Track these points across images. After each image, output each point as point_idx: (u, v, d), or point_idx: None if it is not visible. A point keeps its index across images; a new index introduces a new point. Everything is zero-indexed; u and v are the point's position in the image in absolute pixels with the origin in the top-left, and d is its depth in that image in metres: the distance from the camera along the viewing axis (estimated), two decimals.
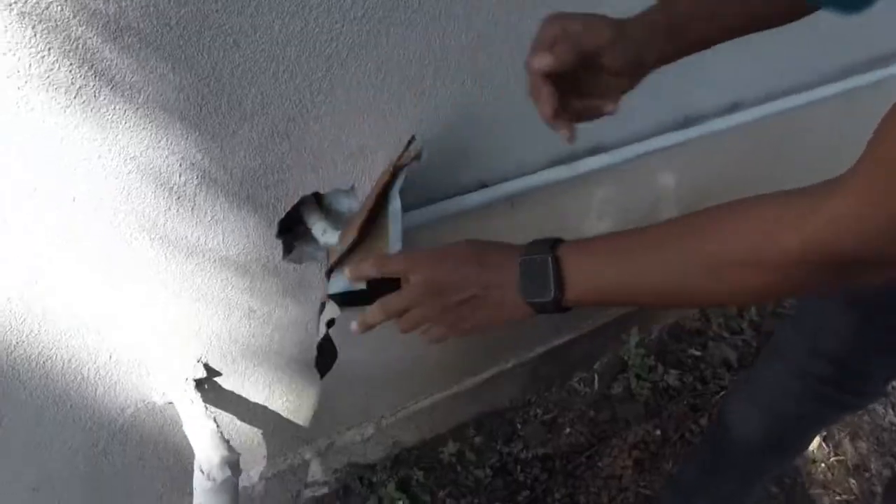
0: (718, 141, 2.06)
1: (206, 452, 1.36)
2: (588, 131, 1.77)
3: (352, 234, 1.30)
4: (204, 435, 1.38)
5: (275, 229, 1.43)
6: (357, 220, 1.30)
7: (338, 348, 1.70)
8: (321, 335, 1.61)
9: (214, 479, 1.34)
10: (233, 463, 1.38)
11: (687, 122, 2.00)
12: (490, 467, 2.30)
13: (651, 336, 2.77)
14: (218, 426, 1.41)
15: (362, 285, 1.22)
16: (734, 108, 2.08)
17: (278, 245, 1.45)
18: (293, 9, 1.18)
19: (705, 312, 2.89)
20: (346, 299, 1.36)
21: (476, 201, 1.66)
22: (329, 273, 1.39)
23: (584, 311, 2.35)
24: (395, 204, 1.29)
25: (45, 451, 1.43)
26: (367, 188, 1.46)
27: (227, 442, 1.41)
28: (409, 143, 1.36)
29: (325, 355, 1.51)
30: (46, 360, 1.30)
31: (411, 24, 1.32)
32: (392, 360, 1.89)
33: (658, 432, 2.49)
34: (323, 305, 1.55)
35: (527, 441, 2.39)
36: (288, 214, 1.43)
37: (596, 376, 2.62)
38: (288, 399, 1.75)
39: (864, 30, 2.05)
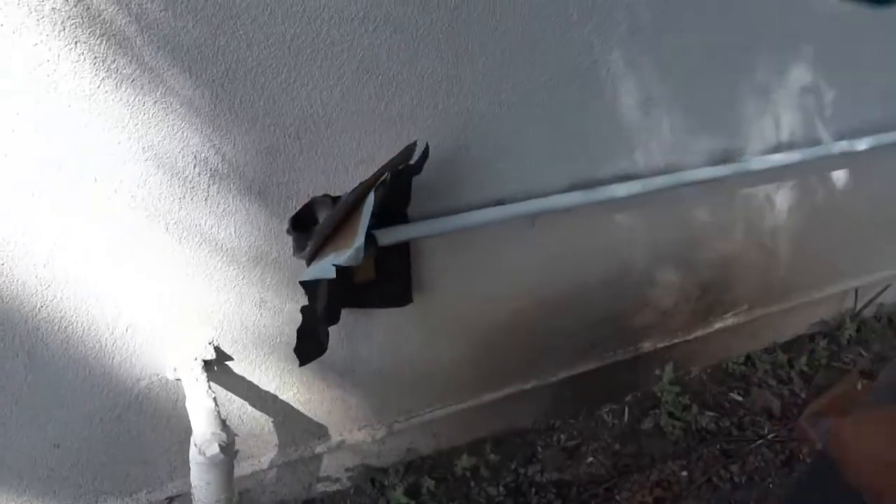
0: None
1: (200, 428, 1.45)
2: (614, 159, 1.79)
3: (329, 227, 1.36)
4: (201, 412, 1.47)
5: (286, 225, 1.51)
6: (337, 214, 1.37)
7: (345, 346, 1.77)
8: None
9: (204, 454, 1.43)
10: (225, 442, 1.46)
11: (726, 158, 1.96)
12: (504, 486, 2.29)
13: (690, 375, 2.69)
14: (217, 406, 1.50)
15: (332, 274, 1.28)
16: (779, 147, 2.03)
17: (289, 241, 1.54)
18: (305, 20, 1.27)
19: (751, 357, 2.78)
20: (318, 287, 1.41)
21: (491, 217, 1.69)
22: (309, 262, 1.46)
23: (608, 343, 2.33)
24: (369, 199, 1.34)
25: (66, 412, 1.56)
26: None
27: (224, 422, 1.49)
28: (407, 148, 1.41)
29: (307, 343, 1.55)
30: (68, 325, 1.43)
31: (424, 39, 1.39)
32: (404, 365, 1.94)
33: (684, 473, 2.41)
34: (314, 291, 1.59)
35: (545, 465, 2.37)
36: (301, 212, 1.51)
37: (626, 409, 2.57)
38: (298, 391, 1.83)
39: None
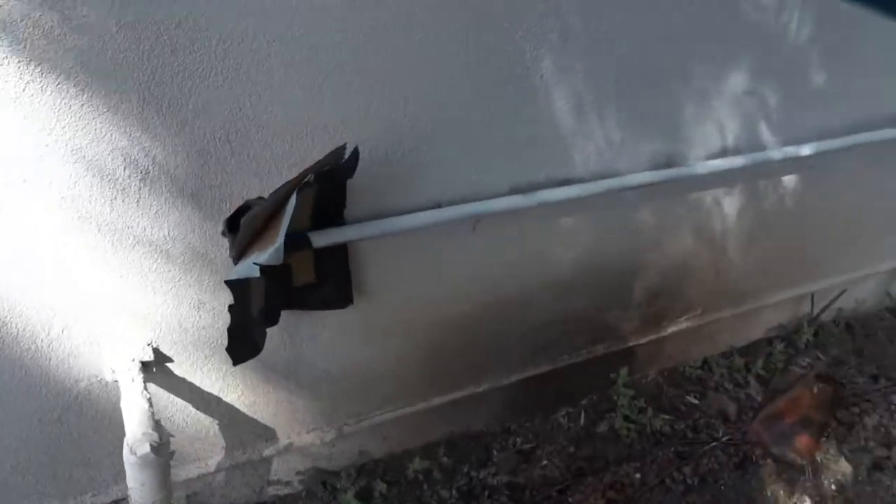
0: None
1: (132, 428, 1.47)
2: (553, 164, 1.82)
3: (250, 227, 1.39)
4: (134, 412, 1.49)
5: (221, 227, 1.53)
6: (259, 215, 1.39)
7: (288, 348, 1.79)
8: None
9: (136, 454, 1.44)
10: (157, 442, 1.47)
11: (669, 163, 2.00)
12: (457, 489, 2.31)
13: (647, 378, 2.72)
14: (150, 406, 1.51)
15: (256, 273, 1.30)
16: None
17: (226, 243, 1.56)
18: (230, 26, 1.30)
19: (708, 361, 2.81)
20: (246, 287, 1.42)
21: (428, 220, 1.72)
22: (236, 261, 1.48)
23: (559, 346, 2.35)
24: (292, 200, 1.36)
25: (3, 413, 1.57)
26: None
27: (158, 422, 1.51)
28: (335, 150, 1.43)
29: (239, 343, 1.57)
30: (2, 326, 1.44)
31: (352, 45, 1.42)
32: (352, 367, 1.96)
33: (638, 475, 2.43)
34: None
35: (499, 468, 2.39)
36: (235, 215, 1.53)
37: (582, 412, 2.60)
38: (243, 393, 1.85)
39: None
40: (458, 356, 2.12)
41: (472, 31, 1.53)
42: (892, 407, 2.82)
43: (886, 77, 2.17)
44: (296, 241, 1.51)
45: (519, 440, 2.50)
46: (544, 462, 2.45)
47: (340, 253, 1.69)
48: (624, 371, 2.56)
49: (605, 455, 2.48)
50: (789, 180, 2.30)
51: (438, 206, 1.74)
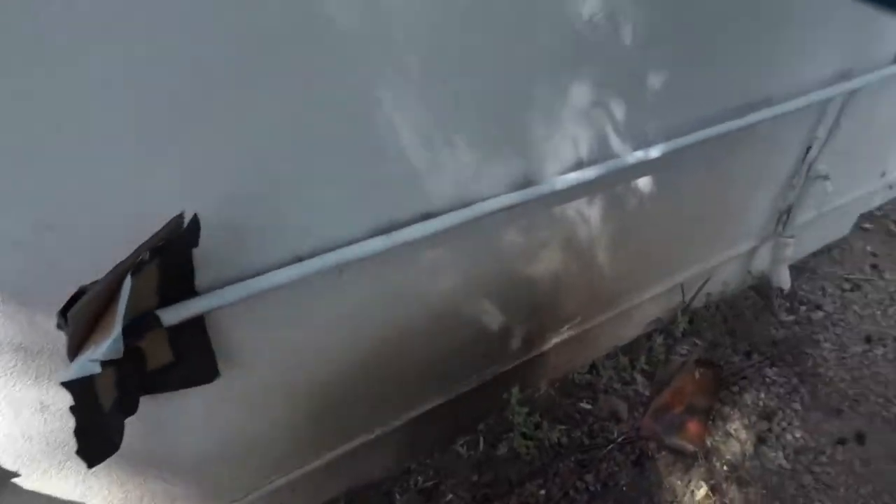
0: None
1: None
2: (411, 200, 1.78)
3: (82, 319, 1.25)
4: None
5: (56, 319, 1.38)
6: (89, 305, 1.26)
7: (155, 435, 1.64)
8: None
9: None
10: None
11: (528, 183, 2.01)
12: None
13: (539, 392, 2.73)
14: None
15: (96, 369, 1.17)
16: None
17: (62, 336, 1.40)
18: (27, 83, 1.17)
19: (595, 365, 2.86)
20: (88, 384, 1.27)
21: (291, 276, 1.63)
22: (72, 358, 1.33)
23: (450, 376, 2.31)
24: (126, 283, 1.24)
25: None
26: None
27: None
28: (172, 221, 1.32)
29: (91, 442, 1.41)
30: None
31: (175, 112, 1.31)
32: (231, 440, 1.84)
33: (542, 492, 2.43)
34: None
35: None
36: (70, 303, 1.38)
37: (481, 438, 2.57)
38: (110, 492, 1.68)
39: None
40: (346, 406, 2.04)
41: (301, 80, 1.45)
42: (767, 380, 2.97)
43: (727, 72, 2.28)
44: (141, 323, 1.38)
45: (420, 479, 2.44)
46: (449, 496, 2.41)
47: (197, 326, 1.57)
48: (515, 390, 2.56)
49: (508, 477, 2.47)
50: (644, 182, 2.37)
51: (300, 259, 1.66)
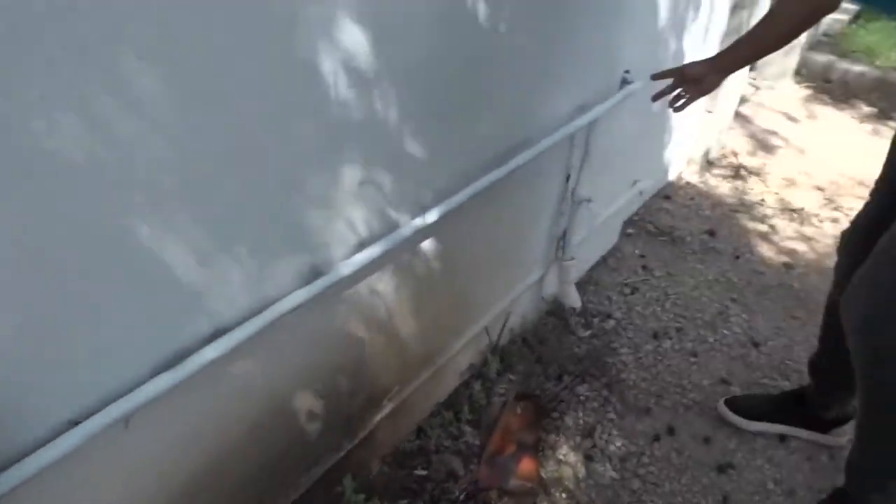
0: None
1: None
2: (191, 322, 1.64)
3: None
4: None
5: None
6: None
7: None
8: None
9: None
10: None
11: (317, 273, 1.94)
12: None
13: (372, 473, 2.66)
14: None
15: None
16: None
17: None
18: None
19: (422, 428, 2.84)
20: None
21: (68, 444, 1.43)
22: None
23: (277, 489, 2.17)
24: None
25: None
26: None
27: None
28: None
29: None
30: None
31: None
32: None
33: None
34: None
35: None
36: None
37: None
38: None
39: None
40: None
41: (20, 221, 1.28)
42: (581, 398, 3.14)
43: (487, 126, 2.38)
44: None
45: None
46: None
47: None
48: (348, 479, 2.46)
49: None
50: (428, 245, 2.41)
51: (76, 423, 1.46)
